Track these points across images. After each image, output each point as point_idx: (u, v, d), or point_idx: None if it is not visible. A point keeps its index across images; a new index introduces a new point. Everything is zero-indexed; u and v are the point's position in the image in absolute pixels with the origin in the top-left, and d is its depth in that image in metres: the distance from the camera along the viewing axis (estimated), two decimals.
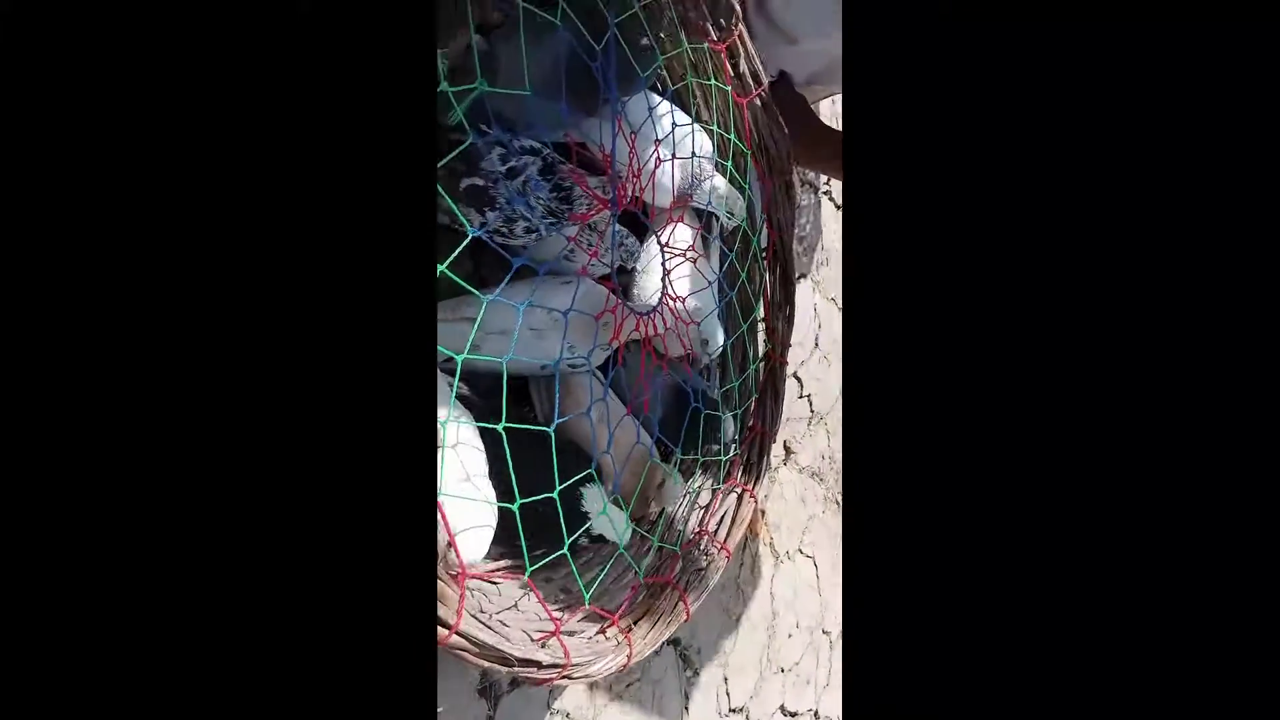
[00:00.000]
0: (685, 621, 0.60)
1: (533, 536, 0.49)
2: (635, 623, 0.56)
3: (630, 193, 0.58)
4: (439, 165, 0.46)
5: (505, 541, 0.53)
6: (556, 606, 0.52)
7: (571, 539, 0.49)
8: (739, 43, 0.65)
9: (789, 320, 0.79)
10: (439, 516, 0.41)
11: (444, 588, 0.39)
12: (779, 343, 0.78)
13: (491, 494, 0.46)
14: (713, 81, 0.64)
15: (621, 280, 0.66)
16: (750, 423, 0.76)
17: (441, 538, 0.41)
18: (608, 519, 0.54)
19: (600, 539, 0.55)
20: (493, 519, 0.46)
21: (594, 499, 0.53)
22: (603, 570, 0.54)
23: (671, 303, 0.61)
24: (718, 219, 0.67)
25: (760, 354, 0.78)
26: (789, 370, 0.83)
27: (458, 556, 0.41)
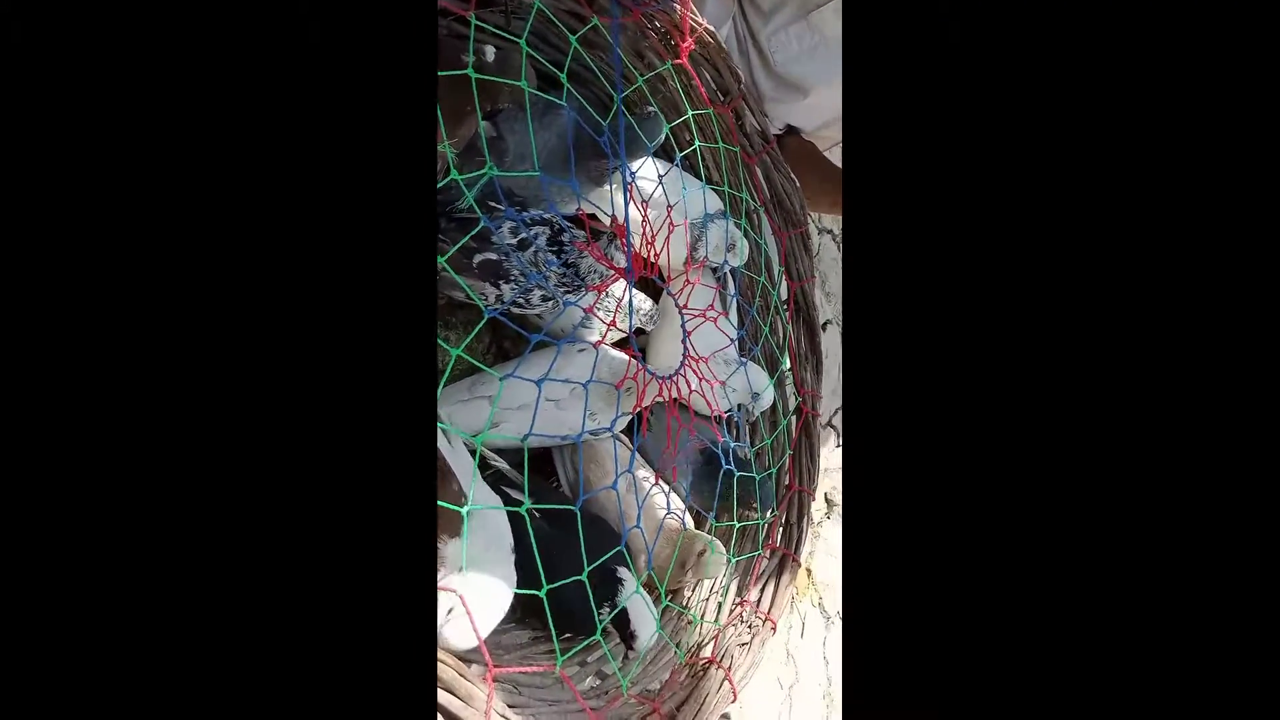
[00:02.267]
0: (734, 701, 0.56)
1: (562, 620, 0.47)
2: (679, 708, 0.52)
3: (645, 258, 0.58)
4: (455, 247, 0.46)
5: (536, 624, 0.50)
6: (592, 695, 0.49)
7: (604, 621, 0.47)
8: (744, 105, 0.66)
9: (817, 370, 0.77)
10: (455, 594, 0.39)
11: (471, 687, 0.36)
12: (809, 395, 0.76)
13: (511, 572, 0.44)
14: (720, 144, 0.64)
15: (640, 343, 0.65)
16: (787, 481, 0.73)
17: (443, 611, 0.39)
18: (643, 607, 0.51)
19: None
20: (507, 594, 0.44)
21: (629, 584, 0.50)
22: (640, 654, 0.51)
23: (694, 364, 0.60)
24: (735, 276, 0.67)
25: (792, 408, 0.76)
26: (823, 420, 0.80)
27: (481, 646, 0.39)
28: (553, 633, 0.43)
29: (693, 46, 0.62)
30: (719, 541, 0.60)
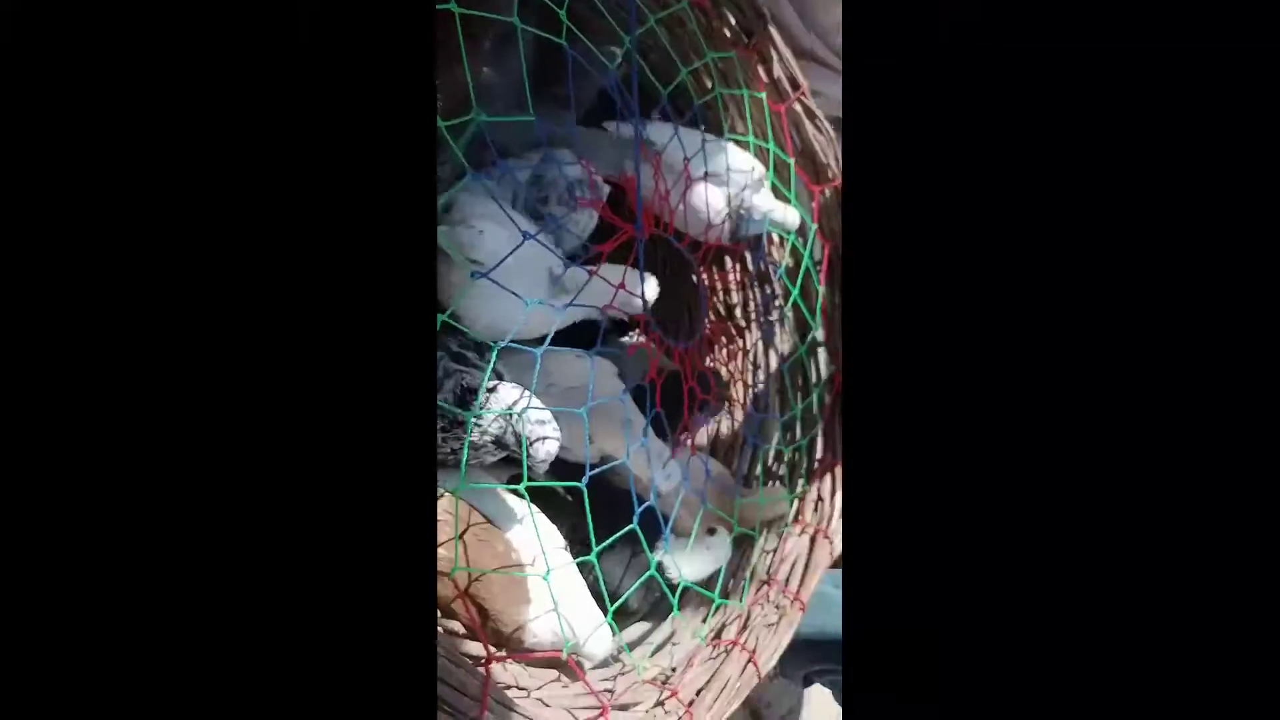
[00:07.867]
0: (758, 684, 0.54)
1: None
2: (698, 692, 0.50)
3: (658, 219, 0.53)
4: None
5: None
6: (606, 679, 0.47)
7: (617, 604, 0.44)
8: (770, 47, 0.60)
9: None
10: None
11: (465, 675, 0.35)
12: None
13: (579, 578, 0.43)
14: (744, 91, 0.59)
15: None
16: (819, 454, 0.69)
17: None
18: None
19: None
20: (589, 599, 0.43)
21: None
22: (653, 633, 0.48)
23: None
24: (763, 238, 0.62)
25: (825, 376, 0.71)
26: None
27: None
28: (559, 619, 0.41)
29: None
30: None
